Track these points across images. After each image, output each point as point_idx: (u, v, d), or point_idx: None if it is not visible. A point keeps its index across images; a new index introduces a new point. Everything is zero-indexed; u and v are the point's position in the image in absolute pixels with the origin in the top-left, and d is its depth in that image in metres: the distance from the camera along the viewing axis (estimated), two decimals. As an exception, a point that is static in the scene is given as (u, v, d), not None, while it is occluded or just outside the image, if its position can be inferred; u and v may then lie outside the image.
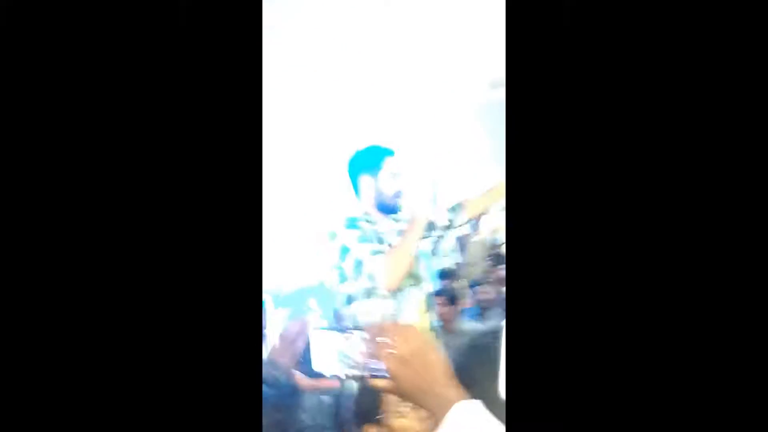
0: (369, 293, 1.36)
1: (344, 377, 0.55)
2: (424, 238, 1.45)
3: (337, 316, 2.61)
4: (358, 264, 1.35)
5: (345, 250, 1.37)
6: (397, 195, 1.43)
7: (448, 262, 3.41)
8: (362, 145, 1.52)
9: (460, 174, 4.41)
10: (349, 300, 1.40)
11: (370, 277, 1.33)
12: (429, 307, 1.47)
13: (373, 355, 0.52)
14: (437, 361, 0.53)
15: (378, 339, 0.52)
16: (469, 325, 2.54)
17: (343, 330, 0.55)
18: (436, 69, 4.07)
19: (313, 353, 0.56)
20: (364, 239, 1.37)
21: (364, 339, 0.53)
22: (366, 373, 0.53)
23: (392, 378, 0.51)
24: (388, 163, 1.43)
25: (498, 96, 4.45)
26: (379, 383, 0.53)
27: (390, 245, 1.39)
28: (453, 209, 1.54)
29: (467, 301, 3.26)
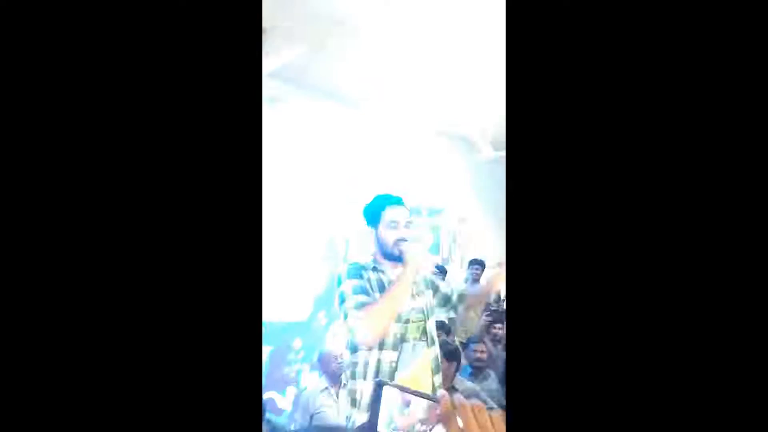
0: (354, 347, 1.38)
1: None
2: (418, 293, 1.46)
3: (322, 358, 2.45)
4: (345, 316, 1.35)
5: (342, 299, 1.38)
6: (398, 243, 1.43)
7: (442, 316, 3.30)
8: (372, 195, 1.56)
9: (463, 228, 4.41)
10: (353, 347, 1.40)
11: (351, 331, 1.34)
12: (435, 368, 1.44)
13: (437, 425, 0.49)
14: None
15: (449, 411, 0.48)
16: (468, 385, 2.38)
17: (416, 393, 0.53)
18: (442, 123, 4.16)
19: (382, 409, 0.52)
20: (359, 290, 1.37)
21: (431, 407, 0.51)
22: None
23: None
24: (388, 212, 1.46)
25: (500, 156, 4.53)
26: None
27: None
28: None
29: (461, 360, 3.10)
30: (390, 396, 0.52)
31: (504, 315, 3.47)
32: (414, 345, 1.38)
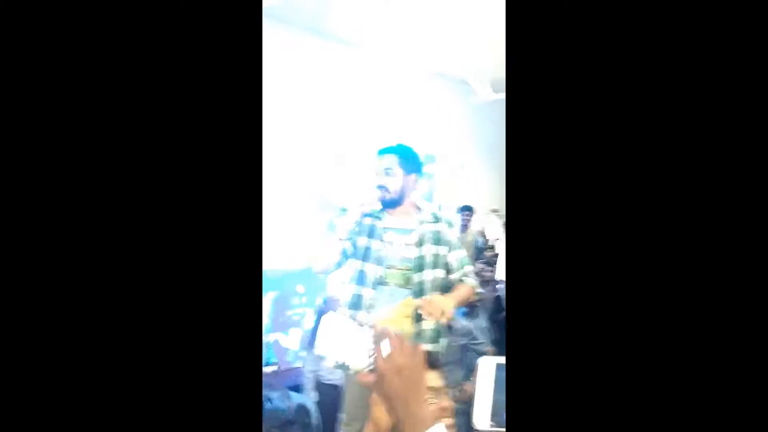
0: (361, 279, 1.51)
1: (340, 364, 0.59)
2: (421, 242, 1.55)
3: (329, 302, 2.63)
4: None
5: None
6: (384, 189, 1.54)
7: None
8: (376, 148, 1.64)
9: (462, 182, 4.47)
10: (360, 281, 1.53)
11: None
12: (416, 317, 1.52)
13: (372, 352, 0.57)
14: (422, 381, 0.57)
15: (381, 341, 0.57)
16: (463, 323, 2.59)
17: (352, 321, 0.59)
18: (446, 76, 4.09)
19: (319, 336, 0.59)
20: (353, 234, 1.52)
21: (370, 336, 0.58)
22: (360, 366, 0.57)
23: (378, 377, 0.56)
24: (381, 160, 1.56)
25: (501, 99, 4.50)
26: (367, 378, 0.57)
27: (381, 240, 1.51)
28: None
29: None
30: (328, 322, 0.58)
31: (494, 258, 3.66)
32: (392, 291, 1.48)
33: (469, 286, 1.57)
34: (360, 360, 0.57)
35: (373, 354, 0.56)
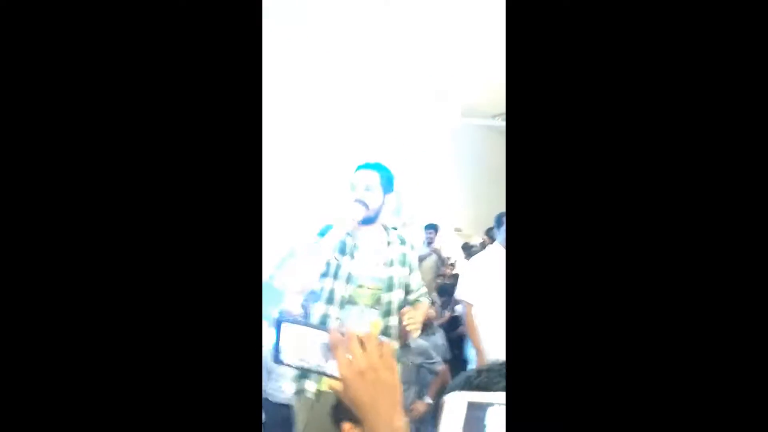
0: (329, 299, 1.47)
1: (305, 368, 0.58)
2: (389, 264, 1.55)
3: (284, 315, 2.59)
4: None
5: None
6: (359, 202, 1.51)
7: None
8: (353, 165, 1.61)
9: (429, 198, 4.54)
10: (314, 298, 1.52)
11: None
12: (386, 329, 1.52)
13: (331, 357, 0.55)
14: (390, 381, 0.53)
15: (338, 343, 0.54)
16: (419, 342, 2.60)
17: (311, 326, 0.58)
18: (418, 96, 4.17)
19: (282, 344, 0.58)
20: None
21: (327, 339, 0.56)
22: (323, 371, 0.56)
23: (343, 383, 0.53)
24: (360, 175, 1.53)
25: (469, 123, 4.62)
26: (333, 385, 0.54)
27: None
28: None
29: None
30: (288, 331, 0.57)
31: (453, 277, 3.71)
32: (362, 310, 1.46)
33: (426, 304, 1.60)
34: (325, 366, 0.55)
35: (334, 359, 0.54)
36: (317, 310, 1.48)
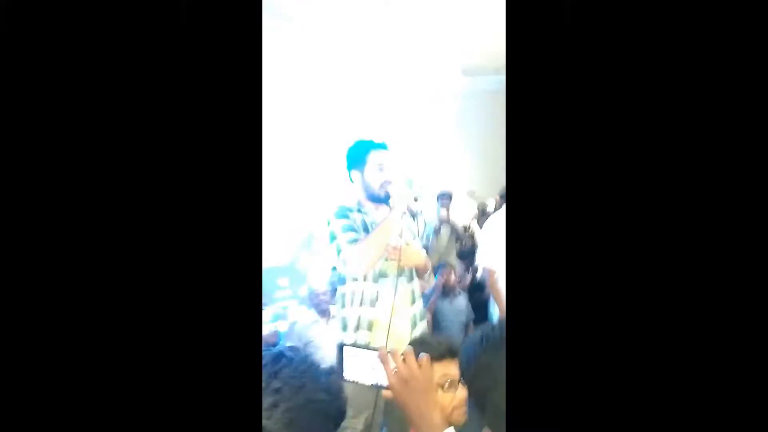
0: (342, 280, 1.56)
1: (368, 385, 0.72)
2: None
3: (311, 296, 2.68)
4: (338, 251, 1.51)
5: (332, 237, 1.54)
6: (384, 185, 1.56)
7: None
8: (352, 140, 1.66)
9: (440, 165, 4.53)
10: (341, 280, 1.60)
11: (343, 263, 1.50)
12: (413, 300, 1.62)
13: (381, 371, 0.69)
14: (430, 390, 0.68)
15: (384, 359, 0.69)
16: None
17: (364, 348, 0.74)
18: (415, 61, 4.11)
19: (344, 364, 0.73)
20: (348, 228, 1.53)
21: (377, 358, 0.70)
22: (377, 383, 0.71)
23: (392, 391, 0.68)
24: (373, 156, 1.58)
25: (473, 83, 4.54)
26: (386, 393, 0.69)
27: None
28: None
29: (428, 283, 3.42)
30: (348, 353, 0.73)
31: (473, 242, 3.76)
32: (394, 280, 1.54)
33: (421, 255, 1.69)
34: (378, 378, 0.70)
35: (383, 371, 0.68)
36: (350, 289, 1.57)
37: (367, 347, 0.74)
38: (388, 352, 0.70)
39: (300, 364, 0.62)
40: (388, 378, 0.68)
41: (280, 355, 0.62)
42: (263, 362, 0.61)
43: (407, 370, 0.67)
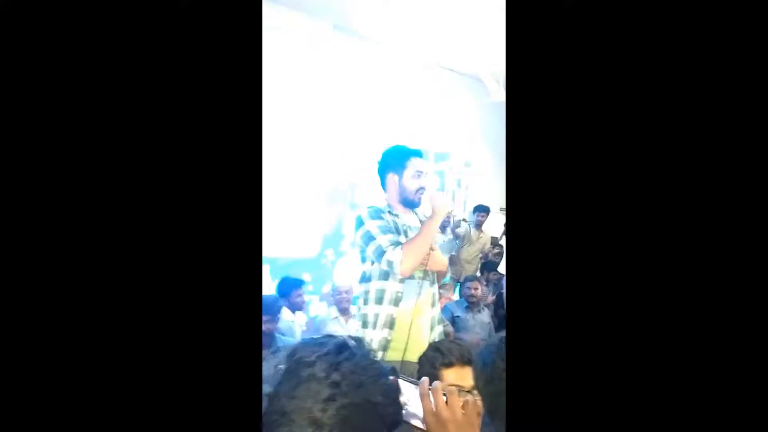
0: (386, 275, 1.58)
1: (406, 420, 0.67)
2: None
3: (335, 291, 2.70)
4: (380, 252, 1.53)
5: (370, 237, 1.56)
6: (419, 191, 1.61)
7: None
8: (388, 145, 1.72)
9: (478, 175, 4.50)
10: (366, 278, 1.63)
11: (389, 264, 1.52)
12: (433, 303, 1.64)
13: (418, 406, 0.65)
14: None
15: (426, 394, 0.65)
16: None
17: (406, 380, 0.68)
18: (460, 72, 4.09)
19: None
20: (387, 230, 1.57)
21: (419, 392, 0.66)
22: (413, 421, 0.66)
23: (428, 430, 0.63)
24: (412, 162, 1.62)
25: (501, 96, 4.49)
26: (419, 430, 0.65)
27: (407, 236, 1.59)
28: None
29: (455, 295, 3.37)
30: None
31: (499, 259, 3.69)
32: (419, 282, 1.57)
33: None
34: (417, 413, 0.65)
35: (421, 408, 0.65)
36: (374, 287, 1.58)
37: (409, 379, 0.68)
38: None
39: (362, 359, 0.57)
40: (426, 415, 0.64)
41: (343, 346, 0.57)
42: (326, 350, 0.57)
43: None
